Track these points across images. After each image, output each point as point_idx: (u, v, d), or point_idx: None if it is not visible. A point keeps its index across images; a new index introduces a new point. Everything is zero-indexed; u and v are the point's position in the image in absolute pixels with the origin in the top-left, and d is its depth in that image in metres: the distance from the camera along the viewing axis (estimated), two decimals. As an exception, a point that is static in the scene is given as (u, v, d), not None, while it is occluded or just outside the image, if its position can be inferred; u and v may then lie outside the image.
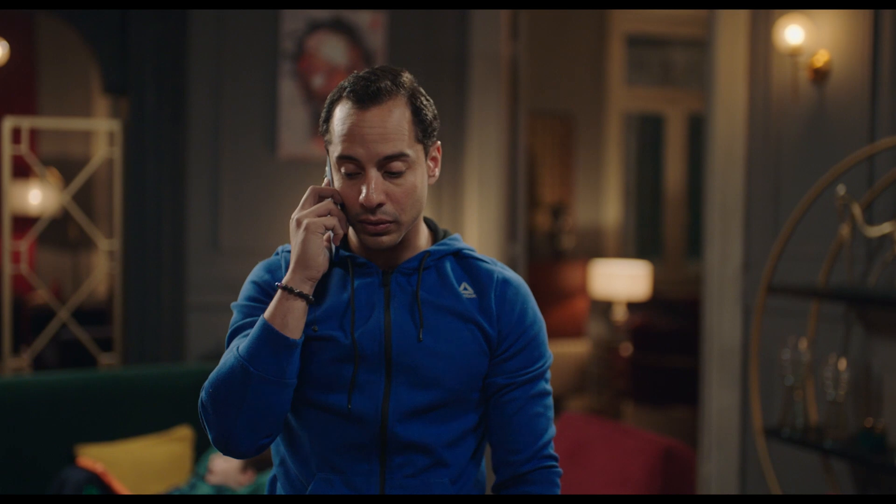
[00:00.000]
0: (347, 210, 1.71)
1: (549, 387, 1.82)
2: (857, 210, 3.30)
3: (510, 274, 1.82)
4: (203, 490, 3.58)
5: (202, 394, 1.70)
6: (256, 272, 1.82)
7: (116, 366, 4.68)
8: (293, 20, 4.65)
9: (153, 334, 4.55)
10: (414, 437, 1.72)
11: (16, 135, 4.72)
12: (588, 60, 7.72)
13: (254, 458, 3.58)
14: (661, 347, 6.85)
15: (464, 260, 1.82)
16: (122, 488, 3.56)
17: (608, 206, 7.81)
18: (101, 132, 6.78)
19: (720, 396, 4.02)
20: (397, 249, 1.76)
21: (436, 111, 1.76)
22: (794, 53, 3.64)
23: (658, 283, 7.62)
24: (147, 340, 4.57)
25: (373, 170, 1.67)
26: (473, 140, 4.84)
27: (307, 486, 1.75)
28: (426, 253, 1.78)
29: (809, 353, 3.44)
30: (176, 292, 4.56)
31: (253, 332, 1.67)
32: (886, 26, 3.37)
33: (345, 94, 1.69)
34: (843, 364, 3.27)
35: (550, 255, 7.62)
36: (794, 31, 3.60)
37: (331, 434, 1.73)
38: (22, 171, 6.55)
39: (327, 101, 1.74)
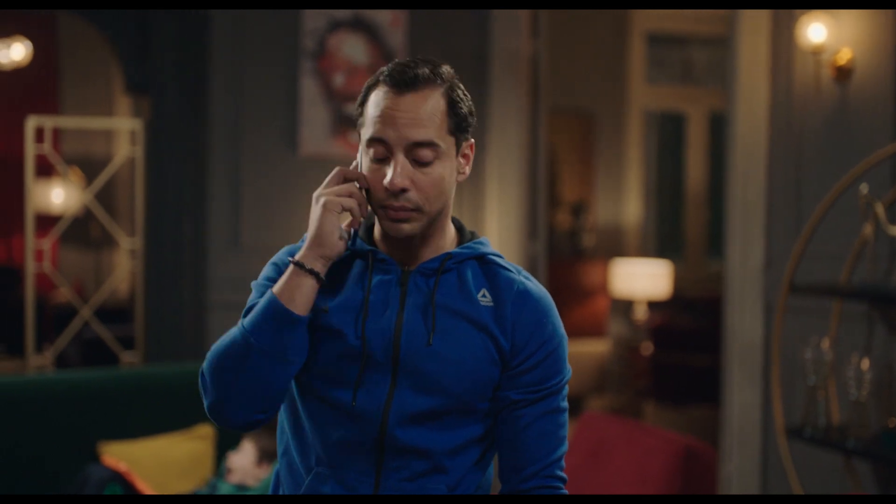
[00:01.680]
0: (371, 195, 1.68)
1: (564, 403, 1.77)
2: (879, 209, 3.28)
3: (532, 285, 1.77)
4: (224, 489, 3.59)
5: (204, 362, 1.69)
6: (279, 255, 1.81)
7: (138, 364, 4.70)
8: (314, 19, 4.65)
9: (175, 332, 4.57)
10: (413, 442, 1.69)
11: (39, 134, 4.75)
12: (609, 58, 7.71)
13: (268, 451, 3.59)
14: (682, 346, 6.83)
15: (487, 266, 1.77)
16: (145, 487, 3.57)
17: (629, 205, 7.79)
18: (123, 131, 6.81)
19: (741, 396, 4.00)
20: (419, 247, 1.73)
21: (472, 107, 1.74)
22: (817, 51, 3.61)
23: (679, 281, 7.60)
24: (168, 338, 4.59)
25: (401, 154, 1.65)
26: (494, 138, 4.83)
27: (306, 478, 1.74)
28: (447, 255, 1.74)
29: (832, 352, 3.42)
30: (197, 290, 4.58)
31: (260, 304, 1.66)
32: (910, 23, 3.35)
33: (381, 77, 1.68)
34: (865, 363, 3.25)
35: (571, 253, 7.61)
36: (816, 29, 3.58)
37: (332, 429, 1.71)
38: (45, 170, 6.59)
39: (364, 87, 1.72)
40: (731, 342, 4.02)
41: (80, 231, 7.43)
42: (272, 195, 4.66)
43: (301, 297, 1.65)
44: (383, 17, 4.73)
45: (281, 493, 1.81)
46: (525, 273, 1.80)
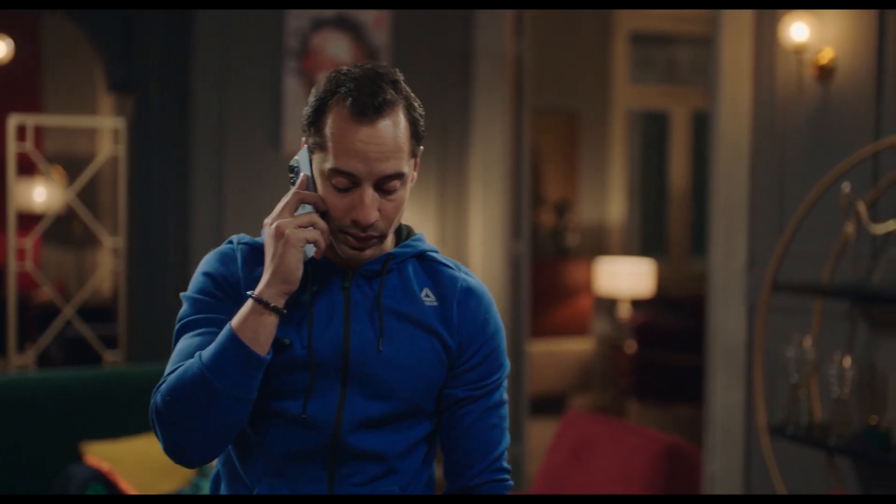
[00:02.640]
0: (330, 220, 1.63)
1: (505, 396, 1.77)
2: (861, 207, 3.30)
3: (474, 282, 1.76)
4: (206, 488, 3.58)
5: (156, 399, 1.59)
6: (210, 263, 1.72)
7: (121, 363, 4.68)
8: (298, 18, 4.65)
9: (158, 331, 4.55)
10: (366, 447, 1.67)
11: (21, 132, 4.72)
12: (593, 58, 7.72)
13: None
14: (665, 345, 6.85)
15: (427, 263, 1.75)
16: (128, 486, 3.56)
17: (613, 204, 7.81)
18: (105, 130, 6.78)
19: (725, 394, 4.01)
20: None
21: (423, 114, 1.68)
22: (799, 51, 3.63)
23: (662, 280, 7.62)
24: (152, 337, 4.57)
25: (369, 188, 1.60)
26: (478, 138, 4.84)
27: (253, 488, 1.69)
28: (390, 255, 1.71)
29: (814, 350, 3.44)
30: (180, 289, 4.55)
31: (219, 343, 1.58)
32: (891, 24, 3.37)
33: (347, 102, 1.59)
34: (847, 362, 3.27)
35: (555, 252, 7.62)
36: (799, 29, 3.60)
37: (280, 439, 1.66)
38: (27, 168, 6.56)
39: (318, 98, 1.63)
40: (715, 341, 4.04)
41: (63, 230, 7.40)
42: (256, 194, 4.65)
43: (265, 336, 1.58)
44: (367, 17, 4.72)
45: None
46: (464, 269, 1.79)
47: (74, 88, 7.69)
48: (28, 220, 6.58)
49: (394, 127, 1.60)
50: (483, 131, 4.84)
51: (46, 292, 5.94)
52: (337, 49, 4.69)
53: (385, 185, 1.61)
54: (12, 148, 4.60)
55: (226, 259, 1.72)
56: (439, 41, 4.88)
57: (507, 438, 1.78)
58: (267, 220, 1.62)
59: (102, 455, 3.63)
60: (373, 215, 1.60)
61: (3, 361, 5.05)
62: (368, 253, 1.66)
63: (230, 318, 1.62)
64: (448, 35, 4.89)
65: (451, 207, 4.89)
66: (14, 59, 6.31)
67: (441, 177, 4.87)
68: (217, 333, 1.63)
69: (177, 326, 1.70)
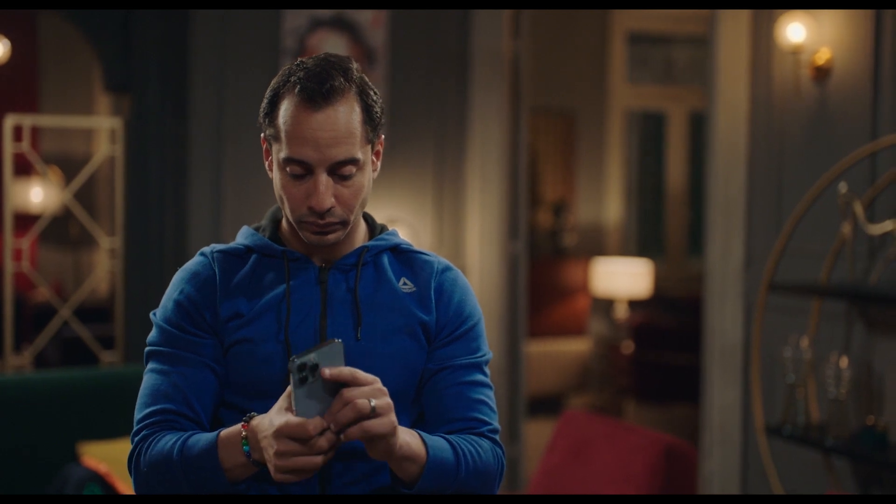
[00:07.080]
0: (290, 210, 1.65)
1: (487, 380, 1.75)
2: (858, 208, 3.30)
3: (450, 265, 1.79)
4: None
5: (137, 456, 1.63)
6: (180, 285, 1.72)
7: (118, 363, 4.68)
8: (295, 18, 4.65)
9: (155, 332, 4.55)
10: (355, 443, 1.60)
11: (17, 132, 4.72)
12: (590, 58, 7.73)
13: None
14: (662, 345, 6.85)
15: (402, 254, 1.77)
16: (125, 487, 3.56)
17: (610, 204, 7.81)
18: (102, 130, 6.78)
19: (722, 394, 4.01)
20: (335, 244, 1.70)
21: (382, 104, 1.69)
22: (796, 51, 3.63)
23: (659, 280, 7.62)
24: (149, 338, 4.57)
25: (323, 174, 1.61)
26: (475, 138, 4.83)
27: (244, 489, 1.66)
28: (364, 248, 1.72)
29: (811, 350, 3.44)
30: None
31: (198, 450, 1.58)
32: (888, 24, 3.37)
33: (296, 90, 1.60)
34: (844, 362, 3.27)
35: (552, 252, 7.62)
36: (795, 29, 3.60)
37: None
38: (23, 168, 6.56)
39: (271, 91, 1.64)
40: (712, 340, 4.04)
41: (60, 230, 7.39)
42: (253, 195, 4.64)
43: (241, 473, 1.58)
44: (364, 17, 4.72)
45: None
46: (440, 257, 1.81)
47: (71, 88, 7.69)
48: (25, 220, 6.57)
49: (346, 113, 1.61)
50: (480, 131, 4.84)
51: (43, 293, 5.93)
52: (334, 49, 4.69)
53: (339, 170, 1.62)
54: (9, 148, 4.60)
55: (197, 280, 1.72)
56: (436, 41, 4.88)
57: (492, 414, 1.74)
58: (275, 422, 1.50)
59: (100, 456, 3.62)
60: (327, 201, 1.61)
61: (0, 362, 5.05)
62: (331, 237, 1.66)
63: (196, 354, 1.66)
64: (445, 35, 4.89)
65: (449, 208, 4.89)
66: (11, 59, 6.30)
67: (438, 177, 4.87)
68: (182, 375, 1.66)
69: (146, 349, 1.70)
